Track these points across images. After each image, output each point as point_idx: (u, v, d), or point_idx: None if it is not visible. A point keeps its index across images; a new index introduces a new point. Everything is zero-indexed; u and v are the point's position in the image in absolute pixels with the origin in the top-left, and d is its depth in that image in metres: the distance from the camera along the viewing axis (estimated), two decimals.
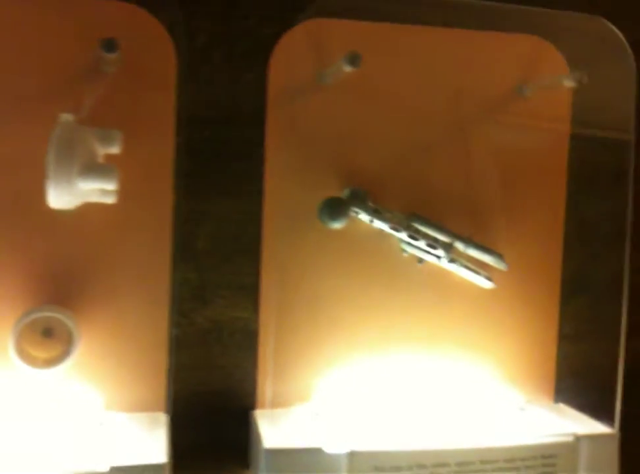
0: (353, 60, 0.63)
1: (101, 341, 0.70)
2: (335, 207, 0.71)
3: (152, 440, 0.65)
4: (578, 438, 0.71)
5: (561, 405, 0.82)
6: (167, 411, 0.71)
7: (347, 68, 0.63)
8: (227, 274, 0.74)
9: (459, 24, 0.77)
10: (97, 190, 0.63)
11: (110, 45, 0.57)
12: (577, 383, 0.83)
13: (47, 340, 0.67)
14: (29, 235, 0.68)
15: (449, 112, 0.78)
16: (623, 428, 0.74)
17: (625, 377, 0.78)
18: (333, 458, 0.66)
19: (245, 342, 0.74)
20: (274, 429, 0.70)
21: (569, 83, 0.70)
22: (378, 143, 0.76)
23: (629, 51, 0.70)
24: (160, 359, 0.72)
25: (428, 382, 0.79)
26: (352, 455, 0.66)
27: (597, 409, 0.77)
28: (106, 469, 0.60)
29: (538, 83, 0.76)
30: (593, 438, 0.72)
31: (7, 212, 0.68)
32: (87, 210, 0.67)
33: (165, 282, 0.71)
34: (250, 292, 0.74)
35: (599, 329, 0.83)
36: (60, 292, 0.69)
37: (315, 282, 0.75)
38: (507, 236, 0.80)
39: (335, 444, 0.66)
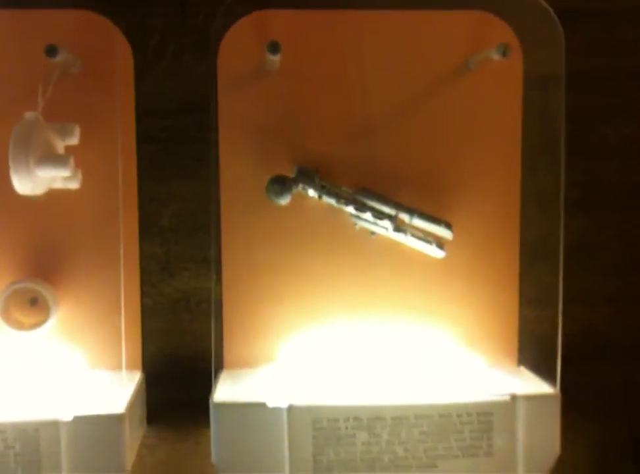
0: (273, 48, 0.68)
1: (83, 309, 0.80)
2: (279, 185, 0.77)
3: (119, 394, 0.74)
4: (515, 398, 0.74)
5: (522, 369, 0.84)
6: (142, 371, 0.81)
7: (270, 57, 0.69)
8: (190, 249, 0.82)
9: (404, 5, 0.80)
10: (59, 178, 0.73)
11: (51, 50, 0.66)
12: (540, 348, 0.85)
13: (33, 307, 0.78)
14: (13, 219, 0.78)
15: (397, 90, 0.82)
16: (572, 391, 0.76)
17: (579, 341, 0.81)
18: (275, 412, 0.73)
19: (213, 312, 0.82)
20: (231, 387, 0.77)
21: (495, 56, 0.73)
22: (327, 123, 0.81)
23: (556, 19, 0.72)
24: (134, 325, 0.81)
25: (386, 347, 0.84)
26: (291, 409, 0.72)
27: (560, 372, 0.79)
28: (70, 418, 0.70)
29: (476, 58, 0.79)
30: (532, 398, 0.75)
31: None
32: (63, 195, 0.77)
33: (134, 256, 0.80)
34: (214, 264, 0.81)
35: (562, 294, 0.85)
36: (43, 267, 0.79)
37: (274, 255, 0.82)
38: (463, 205, 0.83)
39: (276, 399, 0.73)
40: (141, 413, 0.79)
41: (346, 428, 0.73)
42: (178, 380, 0.82)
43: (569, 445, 0.79)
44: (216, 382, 0.78)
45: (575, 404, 0.79)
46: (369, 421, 0.73)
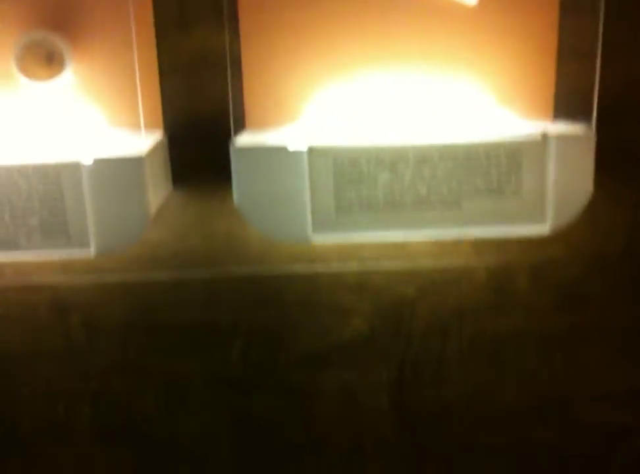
0: None
1: (101, 68, 0.78)
2: None
3: (140, 143, 0.73)
4: (546, 137, 0.71)
5: (557, 121, 0.80)
6: (164, 133, 0.80)
7: None
8: (206, 4, 0.78)
9: None
10: None
11: None
12: (578, 101, 0.80)
13: (48, 60, 0.76)
14: None
15: None
16: (609, 146, 0.72)
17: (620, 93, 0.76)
18: (295, 155, 0.71)
19: (232, 70, 0.79)
20: (252, 138, 0.75)
21: None
22: None
23: None
24: (153, 85, 0.79)
25: (415, 97, 0.80)
26: (311, 150, 0.71)
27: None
28: (91, 160, 0.70)
29: None
30: (564, 139, 0.71)
31: None
32: None
33: (147, 13, 0.77)
34: (230, 19, 0.78)
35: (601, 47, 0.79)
36: (57, 22, 0.77)
37: (293, 10, 0.78)
38: None
39: (296, 142, 0.71)
40: (164, 171, 0.79)
41: (368, 168, 0.71)
42: (201, 142, 0.81)
43: (604, 205, 0.75)
44: (237, 135, 0.76)
45: (611, 162, 0.75)
46: (391, 160, 0.71)
